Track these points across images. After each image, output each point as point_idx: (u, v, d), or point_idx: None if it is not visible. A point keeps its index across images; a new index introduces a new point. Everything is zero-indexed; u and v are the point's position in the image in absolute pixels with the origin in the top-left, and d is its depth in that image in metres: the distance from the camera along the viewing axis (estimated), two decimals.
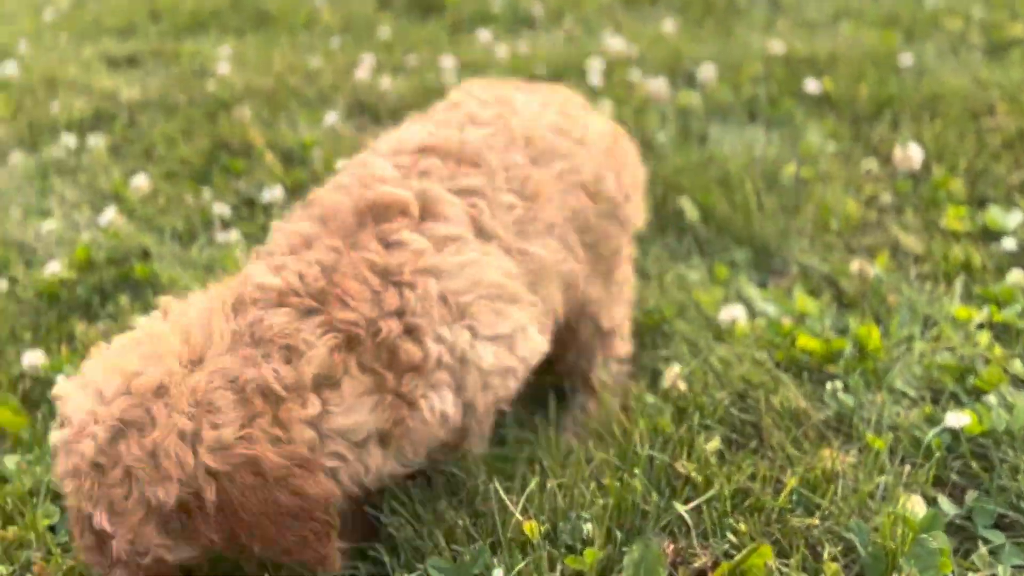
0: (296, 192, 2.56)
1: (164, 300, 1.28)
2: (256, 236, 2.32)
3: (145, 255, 2.28)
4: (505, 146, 1.44)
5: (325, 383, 1.18)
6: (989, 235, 2.12)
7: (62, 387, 1.18)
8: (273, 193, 2.44)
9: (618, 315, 1.67)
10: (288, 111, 3.17)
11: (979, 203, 2.27)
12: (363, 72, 3.40)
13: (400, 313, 1.24)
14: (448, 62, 3.39)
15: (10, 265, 2.26)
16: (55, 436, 1.16)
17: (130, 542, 1.12)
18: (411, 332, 1.24)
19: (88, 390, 1.15)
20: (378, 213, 1.31)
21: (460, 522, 1.32)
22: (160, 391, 1.12)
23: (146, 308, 1.99)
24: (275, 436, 1.12)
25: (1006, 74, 2.98)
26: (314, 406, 1.16)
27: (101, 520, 1.11)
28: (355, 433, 1.20)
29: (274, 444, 1.12)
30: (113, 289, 2.14)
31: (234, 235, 2.27)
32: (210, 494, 1.09)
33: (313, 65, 3.65)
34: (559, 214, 1.46)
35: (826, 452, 1.47)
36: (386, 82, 3.27)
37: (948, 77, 3.01)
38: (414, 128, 1.49)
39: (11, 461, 1.56)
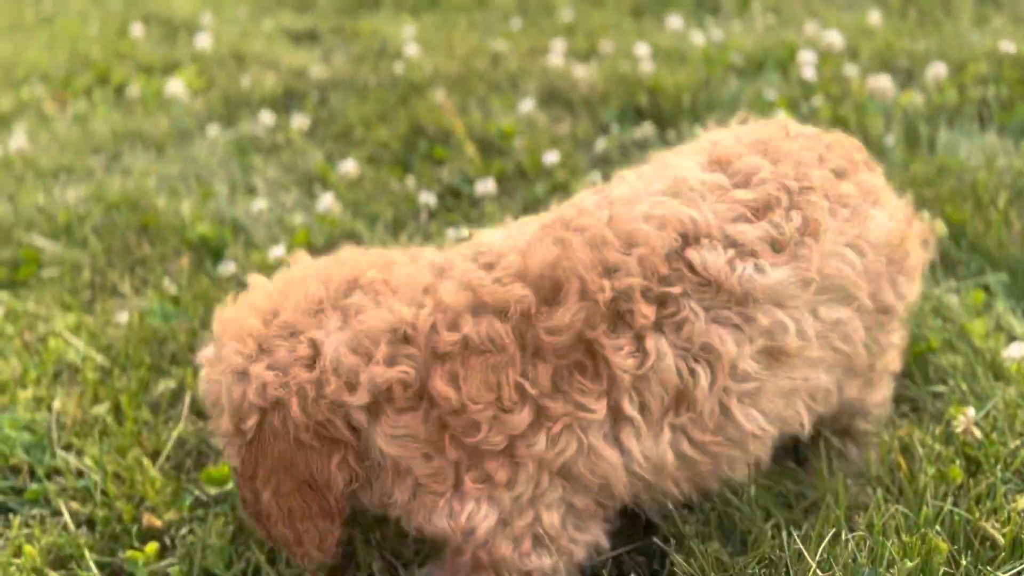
0: (501, 183, 2.50)
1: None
2: (469, 226, 2.27)
3: (357, 242, 2.26)
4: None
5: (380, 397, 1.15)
6: None
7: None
8: (486, 186, 2.38)
9: (880, 394, 1.49)
10: (478, 96, 3.11)
11: None
12: (555, 58, 3.31)
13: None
14: (642, 49, 3.27)
15: (228, 245, 2.28)
16: None
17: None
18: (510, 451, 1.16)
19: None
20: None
21: (751, 571, 1.22)
22: (238, 335, 1.19)
23: None
24: (308, 395, 1.13)
25: None
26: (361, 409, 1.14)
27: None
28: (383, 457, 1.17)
29: (303, 400, 1.13)
30: None
31: (464, 232, 2.20)
32: (251, 422, 1.15)
33: (496, 48, 3.59)
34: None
35: None
36: (579, 69, 3.17)
37: None
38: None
39: None
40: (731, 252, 1.18)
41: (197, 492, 1.53)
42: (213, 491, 1.52)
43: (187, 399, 1.72)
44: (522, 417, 1.13)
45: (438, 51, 3.61)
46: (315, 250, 2.20)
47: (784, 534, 1.26)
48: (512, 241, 1.23)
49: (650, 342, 1.14)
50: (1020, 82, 2.81)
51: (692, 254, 1.17)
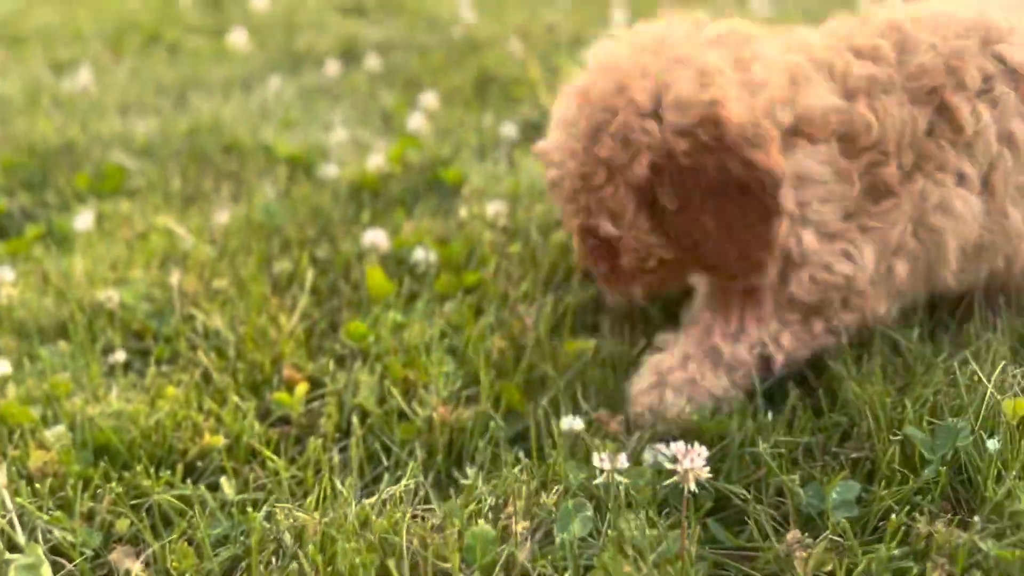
0: None
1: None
2: None
3: (446, 164, 2.27)
4: None
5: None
6: None
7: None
8: None
9: None
10: (541, 53, 3.15)
11: None
12: (617, 19, 3.37)
13: None
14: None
15: (317, 164, 2.28)
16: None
17: (634, 243, 1.27)
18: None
19: (559, 124, 1.30)
20: None
21: (928, 398, 1.23)
22: (620, 90, 1.22)
23: (450, 211, 1.98)
24: (740, 92, 1.18)
25: None
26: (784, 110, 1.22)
27: (606, 227, 1.26)
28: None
29: (737, 101, 1.17)
30: (426, 190, 2.13)
31: None
32: (681, 151, 1.17)
33: (550, 19, 3.64)
34: None
35: None
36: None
37: None
38: None
39: (395, 316, 1.54)
40: None
41: (336, 347, 1.52)
42: (353, 345, 1.50)
43: (308, 278, 1.70)
44: (909, 157, 1.26)
45: (492, 20, 3.66)
46: (407, 168, 2.22)
47: (956, 363, 1.27)
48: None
49: (980, 106, 1.28)
50: None
51: (1003, 48, 1.31)
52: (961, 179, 1.28)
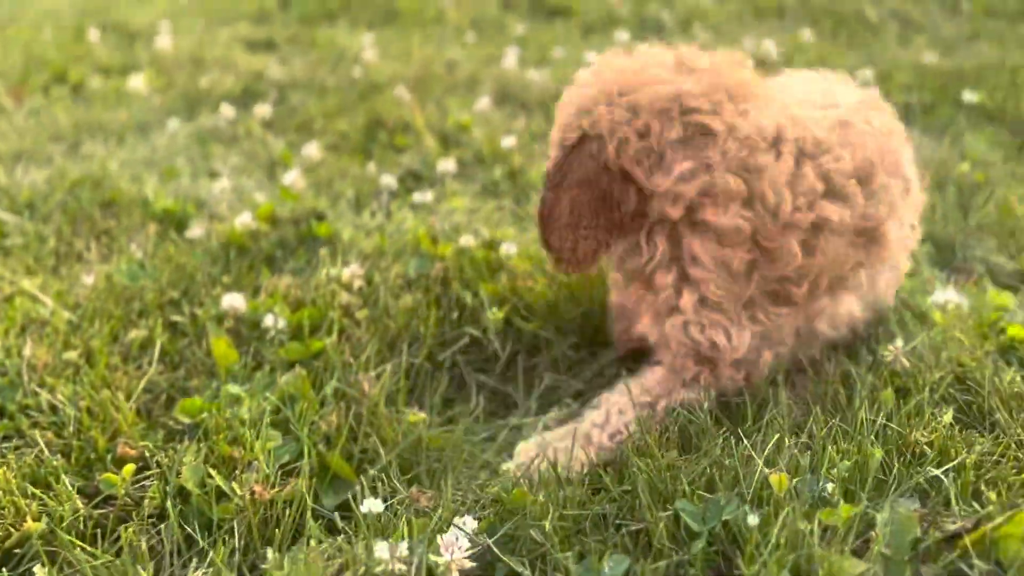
0: (460, 168, 2.60)
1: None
2: (427, 207, 2.36)
3: (320, 217, 2.33)
4: None
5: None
6: None
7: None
8: (447, 166, 2.48)
9: None
10: (436, 97, 3.22)
11: None
12: (509, 63, 3.45)
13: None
14: (593, 58, 3.42)
15: (192, 217, 2.33)
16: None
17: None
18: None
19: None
20: None
21: (705, 470, 1.32)
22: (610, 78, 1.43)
23: (317, 269, 2.03)
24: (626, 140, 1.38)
25: None
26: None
27: (547, 162, 1.49)
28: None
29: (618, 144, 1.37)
30: (297, 245, 2.19)
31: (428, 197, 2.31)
32: (573, 137, 1.41)
33: (451, 56, 3.71)
34: None
35: None
36: (533, 73, 3.30)
37: None
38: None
39: (235, 388, 1.60)
40: None
41: (171, 423, 1.57)
42: (187, 420, 1.56)
43: (157, 347, 1.76)
44: (824, 282, 1.47)
45: (396, 59, 3.72)
46: (279, 222, 2.28)
47: (734, 440, 1.36)
48: None
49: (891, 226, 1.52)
50: (941, 89, 3.03)
51: (902, 165, 1.58)
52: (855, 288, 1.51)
